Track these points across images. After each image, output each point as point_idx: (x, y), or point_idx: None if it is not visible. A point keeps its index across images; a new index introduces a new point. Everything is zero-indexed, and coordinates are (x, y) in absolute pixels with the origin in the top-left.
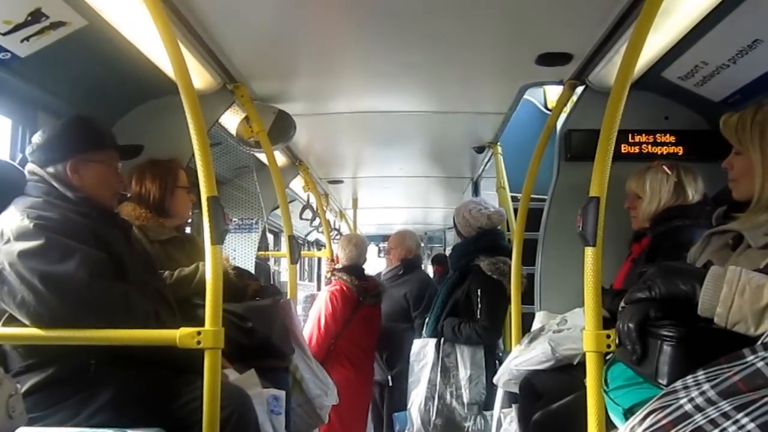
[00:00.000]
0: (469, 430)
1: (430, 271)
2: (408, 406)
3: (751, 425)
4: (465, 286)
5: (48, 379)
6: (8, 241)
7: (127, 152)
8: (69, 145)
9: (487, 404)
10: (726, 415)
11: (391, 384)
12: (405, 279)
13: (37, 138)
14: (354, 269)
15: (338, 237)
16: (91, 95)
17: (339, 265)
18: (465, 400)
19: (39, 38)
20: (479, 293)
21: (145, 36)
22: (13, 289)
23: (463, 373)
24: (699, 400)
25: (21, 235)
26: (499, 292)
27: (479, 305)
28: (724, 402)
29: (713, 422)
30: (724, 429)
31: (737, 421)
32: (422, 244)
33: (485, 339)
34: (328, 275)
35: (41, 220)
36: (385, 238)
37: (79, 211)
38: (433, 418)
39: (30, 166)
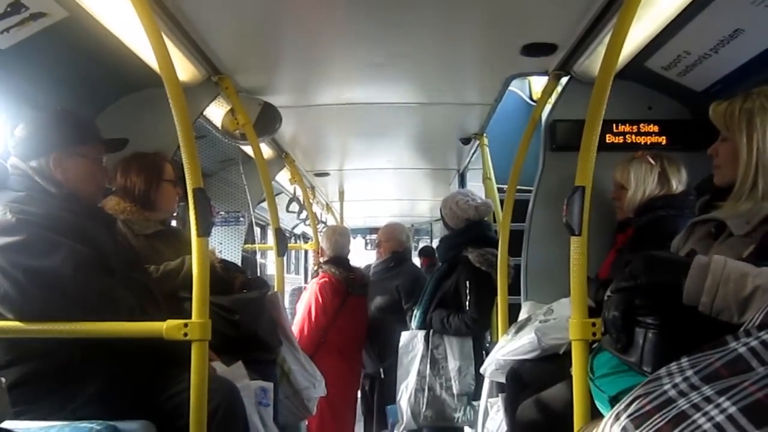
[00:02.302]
0: (459, 420)
1: (417, 263)
2: (397, 398)
3: (732, 408)
4: (453, 278)
5: (32, 372)
6: None
7: (112, 146)
8: (52, 138)
9: (476, 395)
10: (708, 399)
11: (382, 376)
12: (396, 271)
13: (19, 131)
14: (340, 260)
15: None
16: (73, 87)
17: (324, 258)
18: (454, 391)
19: (19, 29)
20: (468, 285)
21: (128, 27)
22: None
23: (453, 364)
24: (682, 386)
25: (3, 230)
26: (487, 284)
27: (468, 297)
28: (706, 387)
29: (696, 406)
30: (706, 412)
31: (719, 404)
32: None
33: (474, 330)
34: (316, 268)
35: (24, 215)
36: (372, 230)
37: (62, 205)
38: (423, 409)
39: (12, 160)
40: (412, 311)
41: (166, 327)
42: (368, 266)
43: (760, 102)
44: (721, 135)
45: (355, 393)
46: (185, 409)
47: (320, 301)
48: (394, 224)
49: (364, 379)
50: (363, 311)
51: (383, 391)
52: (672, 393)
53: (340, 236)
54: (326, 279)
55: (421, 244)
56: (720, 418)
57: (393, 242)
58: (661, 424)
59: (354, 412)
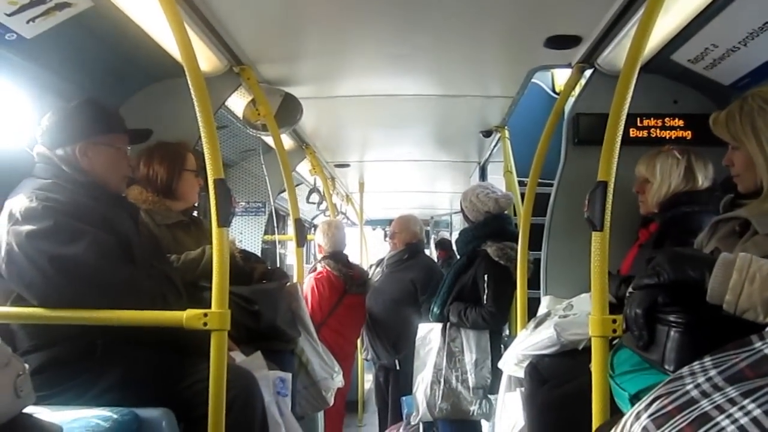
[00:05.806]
0: (475, 413)
1: (434, 255)
2: (413, 390)
3: (758, 411)
4: (472, 271)
5: (55, 358)
6: (17, 222)
7: (136, 137)
8: (78, 127)
9: (492, 388)
10: (732, 401)
11: (398, 368)
12: (410, 263)
13: (46, 120)
14: (338, 256)
15: (345, 221)
16: (97, 77)
17: (323, 253)
18: (470, 385)
19: (44, 19)
20: (486, 278)
21: (151, 18)
22: (22, 270)
23: (469, 357)
24: (705, 386)
25: (29, 217)
26: (506, 278)
27: (486, 290)
28: (730, 388)
29: (719, 408)
30: (730, 414)
31: (743, 407)
32: (428, 228)
33: (492, 324)
34: (317, 264)
35: (50, 202)
36: (391, 222)
37: (87, 193)
38: (439, 401)
39: (38, 148)
40: (429, 303)
41: (186, 316)
42: (381, 260)
43: (757, 105)
44: (730, 144)
45: (345, 392)
46: (204, 397)
47: (316, 294)
48: (408, 216)
49: (379, 371)
50: (360, 310)
51: (398, 383)
52: (694, 393)
53: (336, 231)
54: (324, 274)
55: (441, 236)
56: (744, 420)
57: (407, 234)
58: (684, 425)
59: (343, 411)
